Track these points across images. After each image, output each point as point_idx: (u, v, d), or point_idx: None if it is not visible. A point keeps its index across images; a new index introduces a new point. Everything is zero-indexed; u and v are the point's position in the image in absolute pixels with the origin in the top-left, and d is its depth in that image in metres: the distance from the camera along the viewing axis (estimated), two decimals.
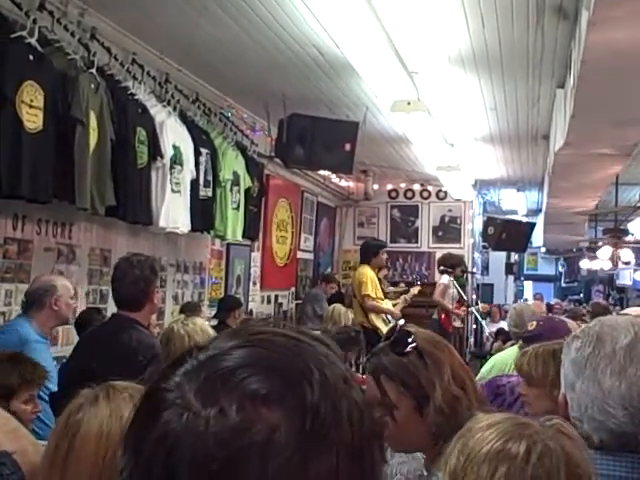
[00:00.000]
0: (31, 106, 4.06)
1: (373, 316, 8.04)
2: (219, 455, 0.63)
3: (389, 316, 8.19)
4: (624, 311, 7.47)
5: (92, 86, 4.58)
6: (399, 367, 1.89)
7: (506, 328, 7.08)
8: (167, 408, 0.67)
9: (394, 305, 8.33)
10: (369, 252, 8.37)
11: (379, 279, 8.37)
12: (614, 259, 12.04)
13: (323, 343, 0.75)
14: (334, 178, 10.21)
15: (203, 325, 3.85)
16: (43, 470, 1.53)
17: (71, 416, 1.54)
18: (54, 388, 3.63)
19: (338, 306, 8.25)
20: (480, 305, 11.62)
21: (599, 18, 3.52)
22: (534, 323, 3.70)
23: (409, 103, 6.07)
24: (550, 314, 12.88)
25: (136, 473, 0.68)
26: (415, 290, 8.76)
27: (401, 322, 8.31)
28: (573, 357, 1.54)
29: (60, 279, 4.27)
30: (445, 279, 9.04)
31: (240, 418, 0.64)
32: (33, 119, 4.08)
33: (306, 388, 0.66)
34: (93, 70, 4.65)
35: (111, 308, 4.62)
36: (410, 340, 1.90)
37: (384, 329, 7.99)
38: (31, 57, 4.09)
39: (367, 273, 8.12)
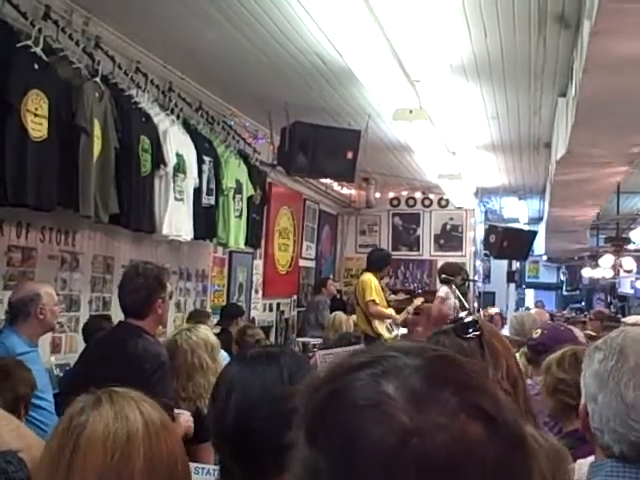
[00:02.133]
0: (36, 115, 4.08)
1: (377, 323, 8.06)
2: (434, 460, 0.63)
3: (392, 324, 8.21)
4: (624, 320, 7.49)
5: (96, 95, 4.61)
6: (457, 349, 1.89)
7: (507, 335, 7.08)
8: (368, 409, 0.66)
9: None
10: (380, 262, 8.41)
11: (381, 287, 8.40)
12: (616, 267, 12.05)
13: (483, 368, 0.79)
14: (336, 186, 10.22)
15: (206, 336, 3.85)
16: (44, 471, 1.51)
17: (74, 418, 1.52)
18: (44, 396, 3.63)
19: (339, 314, 8.27)
20: (482, 312, 11.62)
21: (601, 28, 3.54)
22: (539, 331, 3.71)
23: (411, 111, 6.09)
24: (552, 322, 12.90)
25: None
26: (418, 301, 8.80)
27: (403, 330, 8.34)
28: (596, 369, 1.54)
29: (43, 286, 4.19)
30: (442, 291, 9.03)
31: (452, 428, 0.65)
32: (38, 127, 4.10)
33: (499, 407, 0.69)
34: (97, 79, 4.67)
35: (115, 315, 4.65)
36: (475, 327, 1.93)
37: (388, 337, 8.01)
38: (36, 66, 4.12)
39: (372, 280, 8.15)
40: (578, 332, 3.81)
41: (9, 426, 2.16)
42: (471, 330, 1.95)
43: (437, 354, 0.73)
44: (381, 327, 8.07)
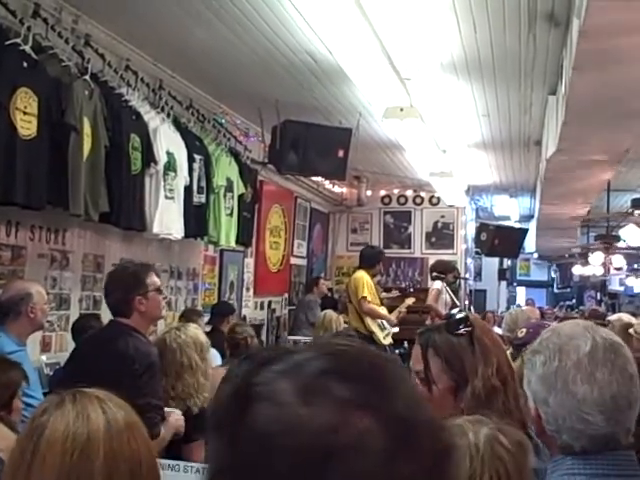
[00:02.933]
0: (25, 113, 4.07)
1: (369, 320, 8.07)
2: (315, 449, 0.67)
3: (384, 322, 8.22)
4: (613, 317, 7.51)
5: (86, 93, 4.59)
6: (447, 345, 1.95)
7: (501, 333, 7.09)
8: (261, 400, 0.71)
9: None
10: (372, 259, 8.42)
11: (374, 285, 8.41)
12: (606, 265, 12.09)
13: (397, 362, 0.82)
14: (327, 184, 10.23)
15: (195, 334, 3.84)
16: (7, 473, 1.50)
17: (36, 419, 1.53)
18: (34, 394, 3.62)
19: (329, 312, 8.28)
20: (472, 310, 11.65)
21: (590, 27, 3.55)
22: (524, 330, 3.72)
23: (402, 109, 6.10)
24: (542, 320, 12.94)
25: (232, 461, 0.71)
26: (409, 301, 8.83)
27: (396, 330, 8.35)
28: (541, 373, 1.55)
29: (34, 285, 4.19)
30: (438, 284, 9.07)
31: (335, 419, 0.68)
32: (27, 126, 4.09)
33: (392, 398, 0.72)
34: (87, 77, 4.66)
35: (104, 314, 4.63)
36: (466, 324, 1.95)
37: (380, 334, 8.02)
38: (25, 64, 4.10)
39: (364, 277, 8.15)
40: None
41: None
42: (462, 327, 1.97)
43: (340, 349, 0.76)
44: (373, 325, 8.08)
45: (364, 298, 8.00)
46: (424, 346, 2.00)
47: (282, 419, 0.69)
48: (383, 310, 8.28)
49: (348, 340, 0.82)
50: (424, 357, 1.97)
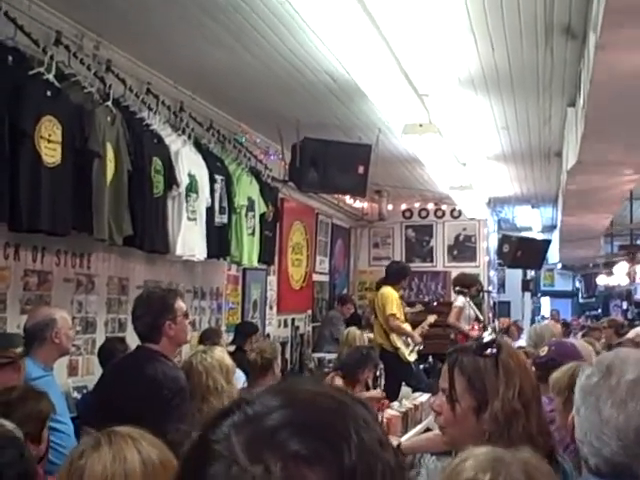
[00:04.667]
0: (49, 141, 4.14)
1: (395, 336, 8.05)
2: None
3: (409, 338, 8.20)
4: (630, 334, 7.45)
5: (108, 119, 4.66)
6: (472, 366, 2.00)
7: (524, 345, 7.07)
8: (215, 459, 0.71)
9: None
10: (398, 274, 8.42)
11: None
12: (631, 275, 11.99)
13: (362, 405, 0.79)
14: (348, 199, 10.24)
15: (221, 358, 3.87)
16: None
17: (74, 462, 1.56)
18: (61, 419, 3.65)
19: (353, 329, 8.27)
20: (497, 322, 11.59)
21: (606, 41, 3.55)
22: (545, 349, 3.71)
23: (421, 125, 6.12)
24: (568, 331, 12.85)
25: None
26: (431, 318, 8.79)
27: (421, 347, 8.33)
28: (582, 384, 1.59)
29: (58, 311, 4.21)
30: (460, 301, 9.02)
31: (284, 476, 0.68)
32: (51, 153, 4.15)
33: (344, 450, 0.70)
34: (109, 102, 4.73)
35: (130, 336, 4.67)
36: (493, 347, 2.00)
37: (405, 351, 8.00)
38: (49, 93, 4.17)
39: (392, 294, 8.15)
40: (584, 345, 3.81)
41: None
42: (489, 349, 2.01)
43: (300, 398, 0.76)
44: (399, 341, 8.06)
45: (393, 315, 7.99)
46: (451, 365, 2.05)
47: (232, 477, 0.69)
48: (408, 327, 8.27)
49: (312, 383, 0.81)
50: (450, 375, 2.02)
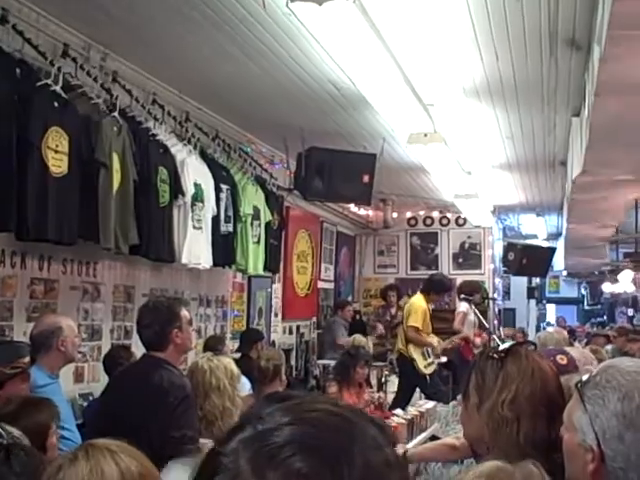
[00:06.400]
0: (56, 151, 4.18)
1: (412, 347, 7.98)
2: None
3: (429, 350, 8.10)
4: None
5: (114, 129, 4.70)
6: (483, 365, 2.08)
7: None
8: (222, 472, 0.74)
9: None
10: (440, 287, 8.36)
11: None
12: (636, 282, 11.97)
13: (375, 424, 0.78)
14: (353, 207, 10.27)
15: (228, 363, 3.89)
16: None
17: (51, 478, 1.55)
18: (67, 426, 3.68)
19: (358, 337, 8.28)
20: (502, 331, 11.56)
21: (610, 54, 3.57)
22: None
23: (426, 135, 6.13)
24: (573, 338, 12.82)
25: None
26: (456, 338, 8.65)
27: (443, 359, 8.26)
28: (619, 409, 1.52)
29: (64, 319, 4.25)
30: (464, 307, 9.01)
31: None
32: (58, 164, 4.19)
33: (344, 470, 0.70)
34: (115, 113, 4.77)
35: (135, 344, 4.70)
36: (501, 351, 2.07)
37: (421, 363, 7.94)
38: (56, 104, 4.22)
39: (421, 305, 8.08)
40: (585, 353, 3.81)
41: None
42: (499, 351, 2.07)
43: (310, 416, 0.76)
44: (416, 352, 7.97)
45: (412, 327, 7.95)
46: (472, 365, 2.15)
47: None
48: (431, 338, 8.18)
49: (326, 401, 0.81)
50: (469, 375, 2.12)
